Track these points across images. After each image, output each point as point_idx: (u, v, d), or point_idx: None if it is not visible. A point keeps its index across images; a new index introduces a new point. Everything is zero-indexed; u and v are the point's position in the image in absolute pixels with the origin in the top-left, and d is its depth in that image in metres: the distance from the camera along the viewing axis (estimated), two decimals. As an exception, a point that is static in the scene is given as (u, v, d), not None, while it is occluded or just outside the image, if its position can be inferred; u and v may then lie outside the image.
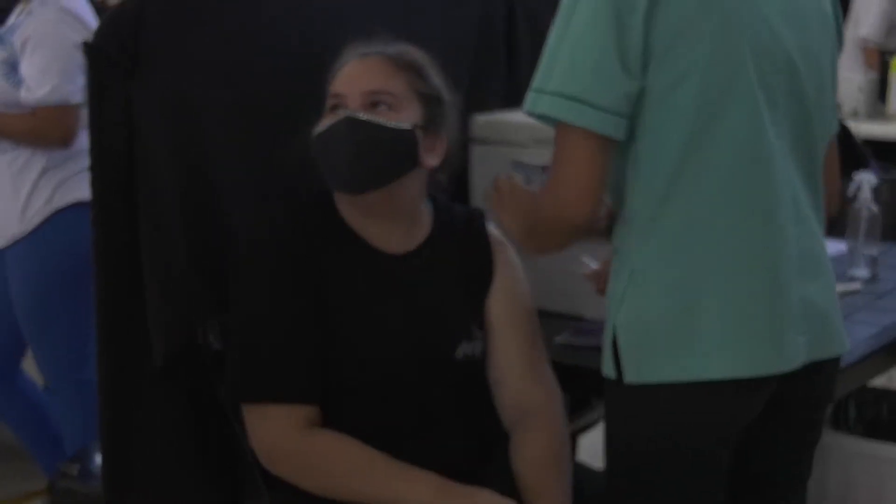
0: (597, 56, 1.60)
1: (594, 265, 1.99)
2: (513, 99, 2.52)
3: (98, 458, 2.09)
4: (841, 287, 2.43)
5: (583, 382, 2.10)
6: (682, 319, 1.65)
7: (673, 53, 1.62)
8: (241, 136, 2.08)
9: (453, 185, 1.98)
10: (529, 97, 1.65)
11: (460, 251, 1.98)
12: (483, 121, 2.37)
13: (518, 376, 1.95)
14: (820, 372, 1.77)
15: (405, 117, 1.87)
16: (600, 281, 1.92)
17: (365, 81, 1.86)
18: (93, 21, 2.90)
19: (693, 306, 1.65)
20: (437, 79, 1.93)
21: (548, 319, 2.05)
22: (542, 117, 1.65)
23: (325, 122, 1.88)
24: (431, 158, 1.90)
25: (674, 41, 1.61)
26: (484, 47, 2.58)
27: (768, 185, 1.68)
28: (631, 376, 1.68)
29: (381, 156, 1.86)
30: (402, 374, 1.89)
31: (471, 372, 1.95)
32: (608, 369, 1.71)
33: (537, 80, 1.65)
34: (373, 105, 1.86)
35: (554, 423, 1.94)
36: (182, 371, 2.02)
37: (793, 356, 1.69)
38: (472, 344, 1.94)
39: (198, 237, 2.03)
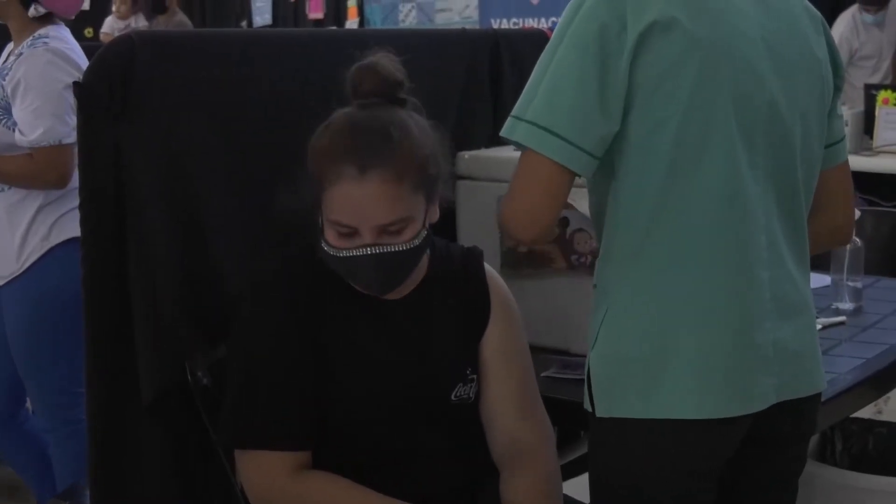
0: (577, 95, 1.62)
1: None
2: (498, 137, 2.56)
3: (88, 496, 2.07)
4: (825, 320, 2.47)
5: (570, 416, 2.08)
6: (652, 358, 1.67)
7: (655, 98, 1.63)
8: (230, 180, 2.09)
9: (440, 221, 1.96)
10: (507, 122, 1.68)
11: (457, 293, 1.96)
12: (469, 157, 2.39)
13: (510, 416, 1.94)
14: (797, 409, 1.77)
15: (418, 221, 1.83)
16: None
17: (375, 216, 1.78)
18: (83, 61, 2.89)
19: (664, 346, 1.66)
20: (426, 140, 1.84)
21: (535, 354, 2.06)
22: (515, 143, 1.68)
23: (337, 244, 1.81)
24: (434, 215, 1.89)
25: (656, 86, 1.63)
26: (470, 86, 2.61)
27: (742, 229, 1.68)
28: (601, 410, 1.70)
29: (407, 269, 1.86)
30: (397, 417, 1.89)
31: (464, 412, 1.95)
32: (586, 402, 1.74)
33: (517, 106, 1.67)
34: (389, 233, 1.81)
35: (545, 464, 1.94)
36: (171, 408, 2.02)
37: (760, 398, 1.70)
38: (467, 387, 1.93)
39: (187, 276, 2.03)
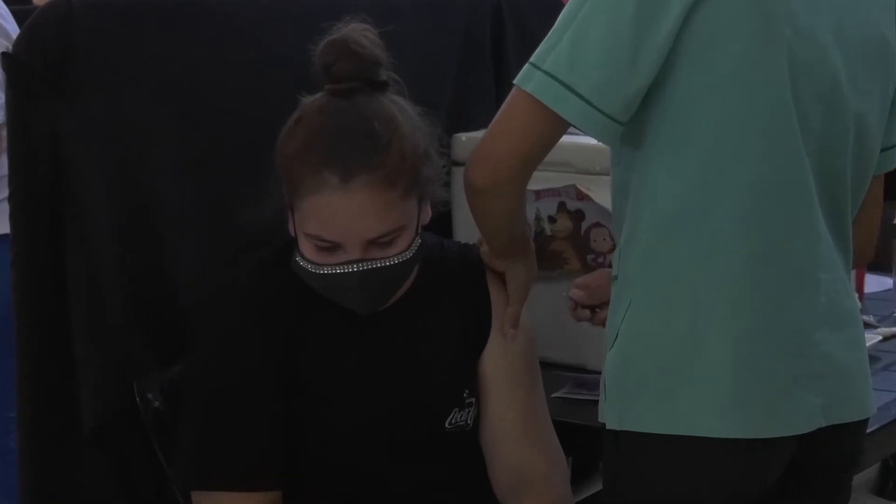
0: (607, 50, 1.58)
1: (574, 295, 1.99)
2: None
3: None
4: (886, 329, 2.49)
5: (586, 443, 2.04)
6: (677, 363, 1.63)
7: (705, 58, 1.60)
8: (188, 164, 2.06)
9: (433, 213, 1.91)
10: (523, 69, 1.63)
11: (452, 300, 1.93)
12: (467, 140, 2.35)
13: (515, 444, 1.92)
14: (841, 435, 1.73)
15: (411, 229, 1.81)
16: (582, 309, 1.99)
17: (362, 230, 1.75)
18: (14, 28, 2.95)
19: (692, 350, 1.62)
20: (417, 134, 1.82)
21: (545, 370, 2.03)
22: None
23: (317, 259, 1.77)
24: (426, 218, 1.86)
25: (708, 45, 1.60)
26: (468, 58, 2.59)
27: (800, 219, 1.65)
28: (613, 420, 1.67)
29: (398, 284, 1.84)
30: (381, 448, 1.87)
31: (461, 441, 1.91)
32: (601, 413, 1.70)
33: (538, 52, 1.63)
34: (378, 246, 1.77)
35: (556, 499, 1.92)
36: (117, 436, 1.99)
37: (806, 418, 1.67)
38: (464, 412, 1.90)
39: (138, 282, 2.01)
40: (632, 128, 1.62)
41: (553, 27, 1.63)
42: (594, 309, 1.97)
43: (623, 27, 1.57)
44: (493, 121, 1.67)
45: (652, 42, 1.57)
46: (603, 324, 1.90)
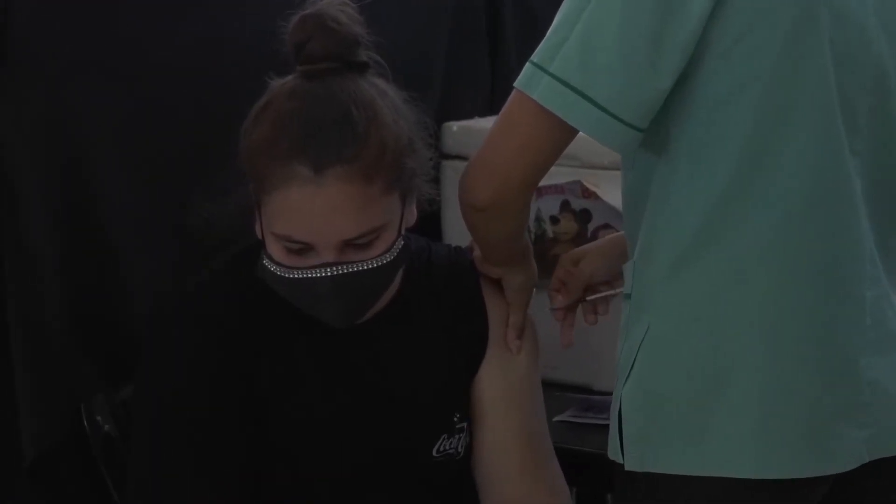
0: (624, 47, 1.55)
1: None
2: (498, 103, 2.57)
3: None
4: None
5: (592, 473, 2.08)
6: (704, 396, 1.61)
7: (738, 52, 1.57)
8: (141, 167, 2.06)
9: (420, 212, 1.91)
10: (525, 70, 1.60)
11: (441, 310, 1.91)
12: (458, 130, 2.37)
13: (512, 475, 1.91)
14: (887, 471, 1.71)
15: (393, 229, 1.79)
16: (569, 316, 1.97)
17: (337, 230, 1.73)
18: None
19: (720, 380, 1.61)
20: (400, 121, 1.80)
21: (548, 391, 2.02)
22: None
23: (287, 262, 1.76)
24: (411, 218, 1.85)
25: (739, 39, 1.57)
26: (460, 36, 2.59)
27: (843, 231, 1.63)
28: (632, 462, 1.65)
29: (378, 292, 1.82)
30: (360, 481, 1.86)
31: (450, 472, 1.90)
32: (613, 451, 1.68)
33: (541, 50, 1.60)
34: (355, 248, 1.76)
35: None
36: (61, 468, 2.00)
37: (847, 454, 1.65)
38: (454, 438, 1.88)
39: (82, 295, 2.02)
40: (650, 131, 1.60)
41: (558, 18, 1.60)
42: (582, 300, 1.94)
43: (642, 20, 1.54)
44: (493, 129, 1.64)
45: (677, 36, 1.55)
46: (595, 311, 1.92)
